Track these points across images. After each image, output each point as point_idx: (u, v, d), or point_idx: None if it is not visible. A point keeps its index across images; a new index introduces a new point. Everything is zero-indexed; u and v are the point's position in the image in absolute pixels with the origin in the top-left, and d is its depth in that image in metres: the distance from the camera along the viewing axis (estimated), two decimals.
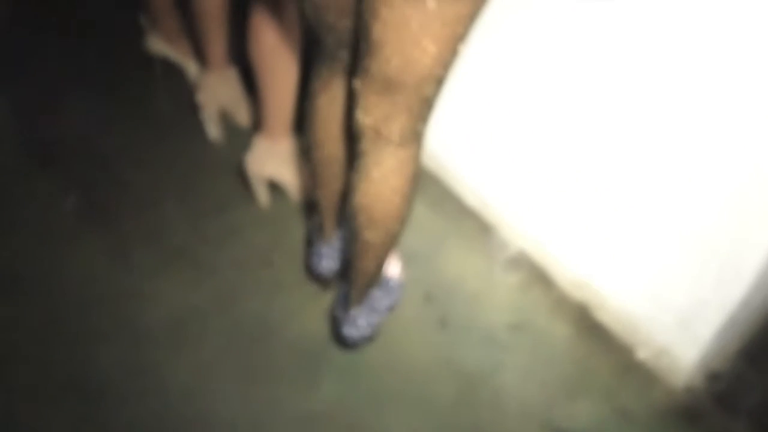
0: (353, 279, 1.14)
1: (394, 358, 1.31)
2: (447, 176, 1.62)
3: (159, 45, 1.91)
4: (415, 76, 0.86)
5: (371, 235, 1.02)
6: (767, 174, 1.02)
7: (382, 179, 0.96)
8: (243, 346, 1.31)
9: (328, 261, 1.29)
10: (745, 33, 0.97)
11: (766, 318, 1.25)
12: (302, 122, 1.15)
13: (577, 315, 1.38)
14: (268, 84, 1.42)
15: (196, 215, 1.56)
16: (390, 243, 1.06)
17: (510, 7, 1.26)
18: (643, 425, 1.23)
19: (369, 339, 1.24)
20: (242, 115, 1.76)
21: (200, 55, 1.72)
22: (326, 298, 1.39)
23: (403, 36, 0.81)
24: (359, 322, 1.19)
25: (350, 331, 1.20)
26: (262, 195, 1.56)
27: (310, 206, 1.52)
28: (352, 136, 1.06)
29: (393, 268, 1.25)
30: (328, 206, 1.22)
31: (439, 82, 0.88)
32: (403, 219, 1.02)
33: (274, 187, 1.58)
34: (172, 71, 1.93)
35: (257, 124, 1.58)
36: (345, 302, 1.20)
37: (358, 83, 0.92)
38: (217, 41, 1.61)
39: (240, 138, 1.71)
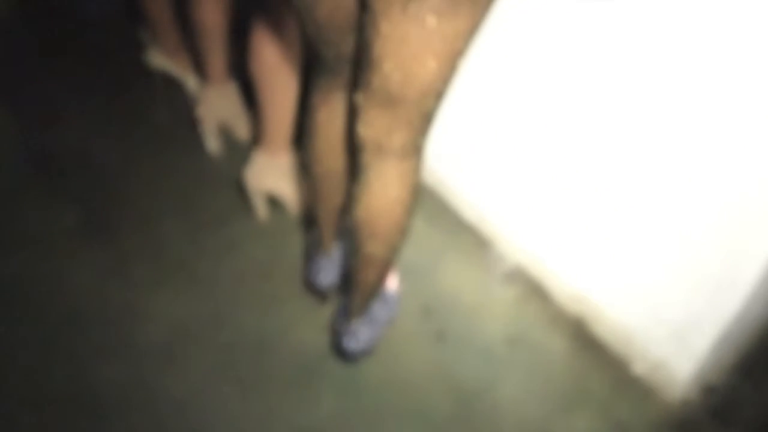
0: (354, 292, 1.15)
1: (392, 371, 1.31)
2: (444, 191, 1.64)
3: (159, 59, 1.92)
4: (415, 91, 0.87)
5: (373, 248, 1.03)
6: (762, 188, 1.03)
7: (383, 191, 0.97)
8: (241, 360, 1.31)
9: (327, 274, 1.29)
10: (746, 45, 0.97)
11: (761, 331, 1.26)
12: (301, 136, 1.16)
13: (573, 329, 1.39)
14: (268, 98, 1.43)
15: (195, 229, 1.56)
16: (392, 255, 1.06)
17: (508, 21, 1.28)
18: None
19: (368, 352, 1.24)
20: (241, 129, 1.77)
21: (200, 69, 1.73)
22: (325, 311, 1.39)
23: (403, 52, 0.82)
24: (360, 335, 1.19)
25: (351, 344, 1.20)
26: (261, 209, 1.57)
27: (309, 220, 1.53)
28: (352, 150, 1.07)
29: (391, 280, 1.25)
30: (327, 219, 1.23)
31: (439, 96, 0.90)
32: (404, 231, 1.03)
33: (273, 201, 1.59)
34: (172, 85, 1.94)
35: (256, 138, 1.59)
36: (345, 315, 1.21)
37: (359, 97, 0.93)
38: (216, 55, 1.62)
39: (239, 152, 1.72)
